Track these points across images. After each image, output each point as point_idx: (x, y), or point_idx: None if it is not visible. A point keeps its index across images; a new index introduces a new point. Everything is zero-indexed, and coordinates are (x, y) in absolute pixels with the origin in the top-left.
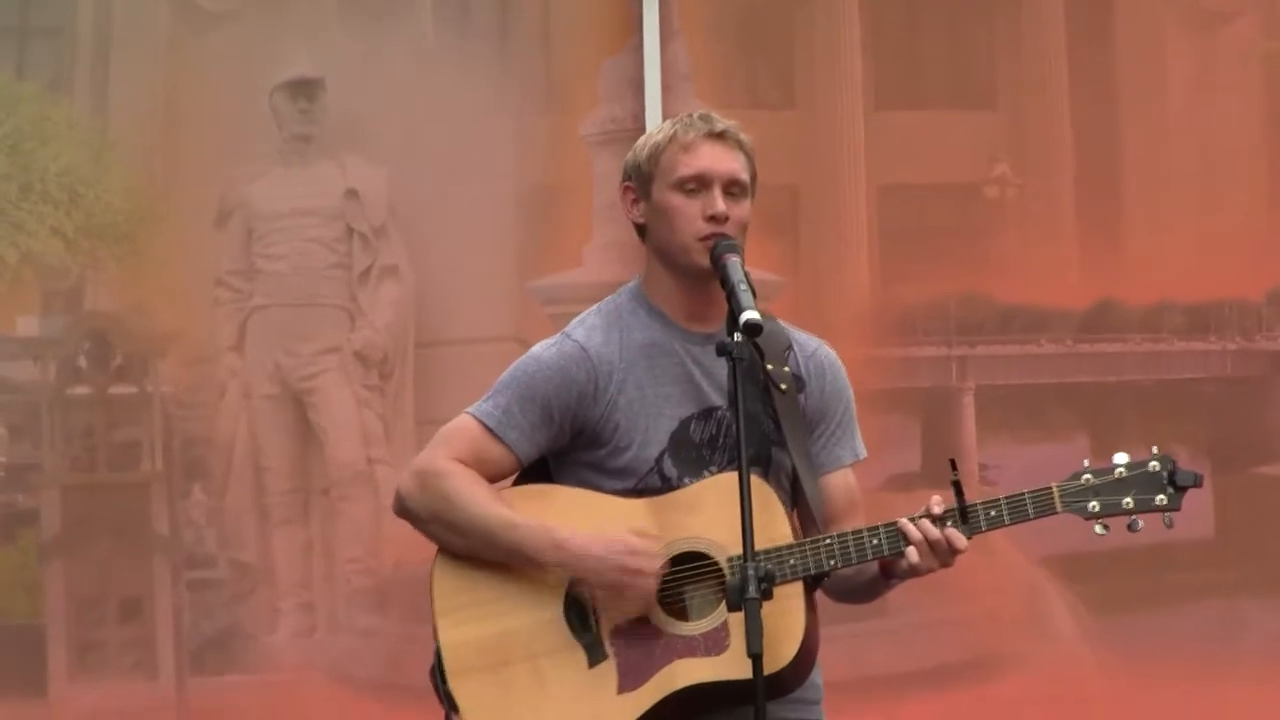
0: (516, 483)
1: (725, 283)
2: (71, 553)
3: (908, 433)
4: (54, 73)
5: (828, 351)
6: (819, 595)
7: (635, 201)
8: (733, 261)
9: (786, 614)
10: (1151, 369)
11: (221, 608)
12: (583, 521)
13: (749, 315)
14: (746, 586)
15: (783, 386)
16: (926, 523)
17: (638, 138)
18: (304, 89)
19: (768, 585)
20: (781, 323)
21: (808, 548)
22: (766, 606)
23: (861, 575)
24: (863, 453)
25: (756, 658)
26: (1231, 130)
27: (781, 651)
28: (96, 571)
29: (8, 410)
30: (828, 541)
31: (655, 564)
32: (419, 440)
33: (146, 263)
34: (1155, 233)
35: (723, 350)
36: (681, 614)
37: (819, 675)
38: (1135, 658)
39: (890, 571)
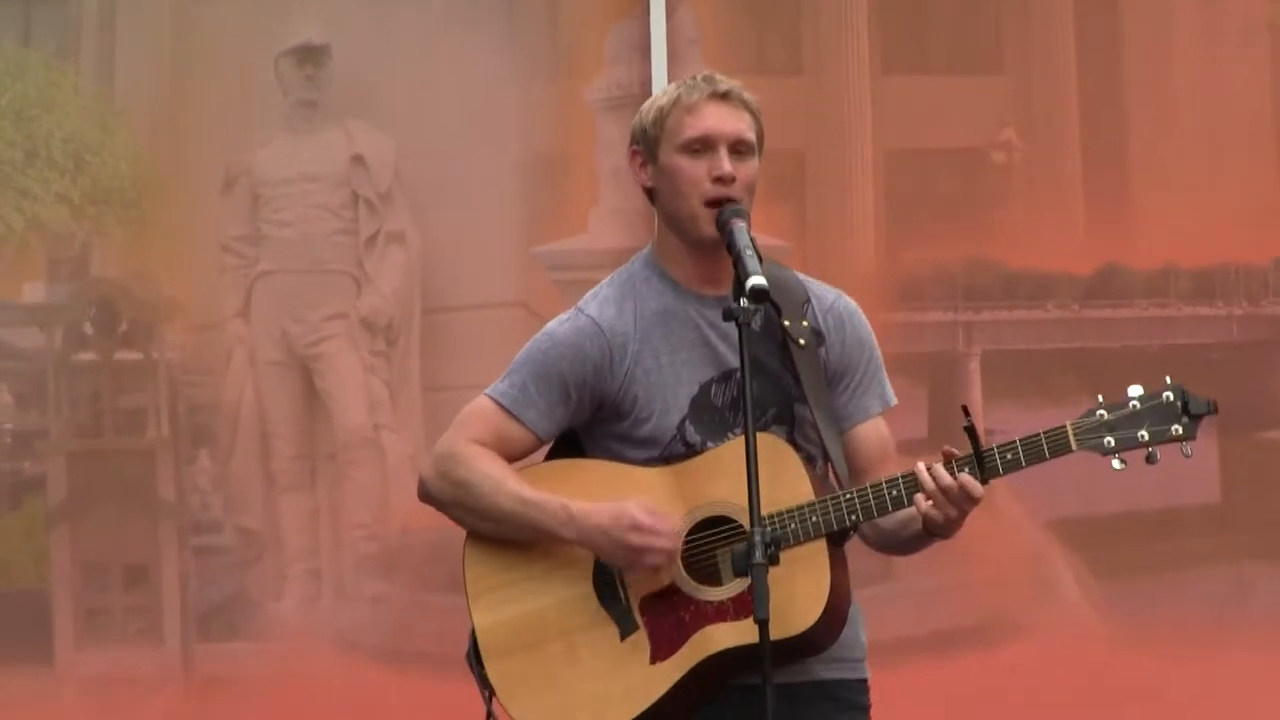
0: (549, 456)
1: (731, 248)
2: (77, 519)
3: (914, 398)
4: (59, 40)
5: (847, 302)
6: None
7: (643, 165)
8: (739, 227)
9: (811, 572)
10: (1157, 334)
11: (228, 574)
12: (606, 493)
13: (755, 280)
14: (753, 552)
15: (801, 342)
16: (941, 470)
17: (642, 102)
18: (310, 55)
19: (774, 550)
20: (800, 276)
21: (830, 504)
22: (791, 566)
23: (907, 529)
24: (892, 400)
25: (763, 623)
26: (1238, 95)
27: (807, 612)
28: (102, 538)
29: (14, 377)
30: (848, 497)
31: (662, 540)
32: (425, 406)
33: (152, 229)
34: (1161, 198)
35: (729, 315)
36: (711, 579)
37: (863, 633)
38: (1141, 623)
39: (927, 528)
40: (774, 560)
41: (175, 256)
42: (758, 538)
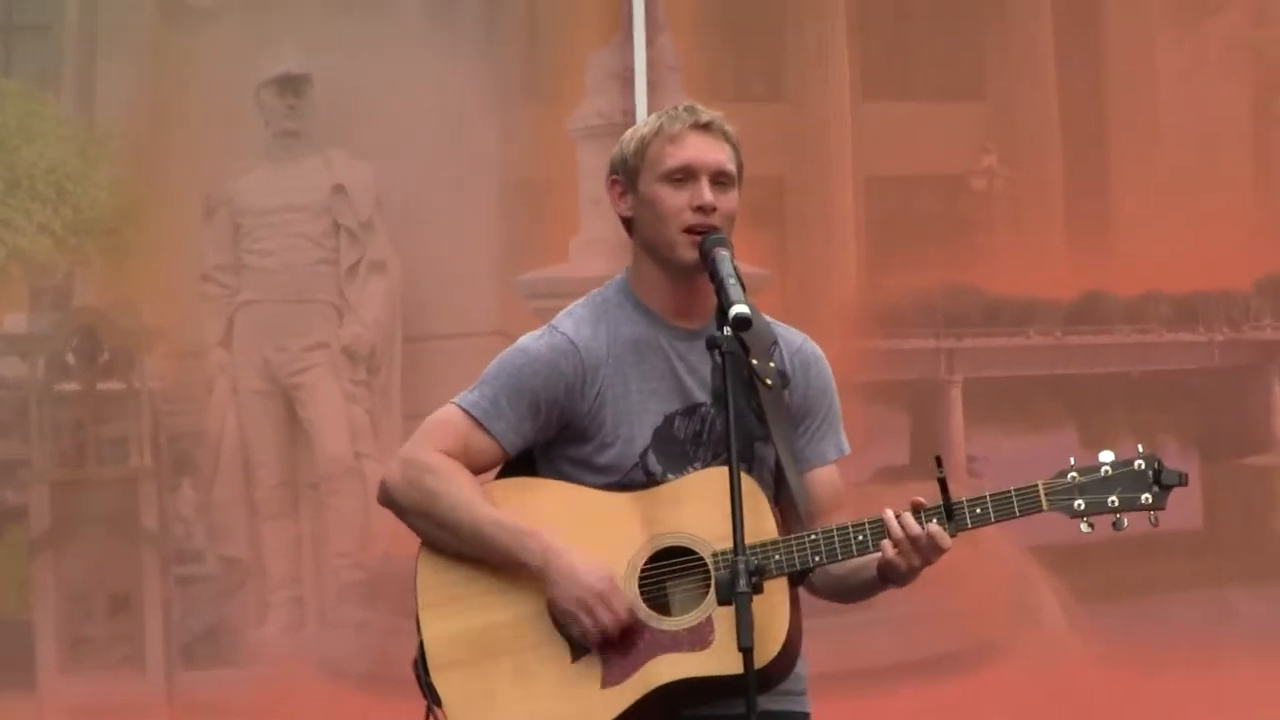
0: (500, 475)
1: (714, 276)
2: (60, 548)
3: (896, 425)
4: (41, 69)
5: (813, 347)
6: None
7: (622, 195)
8: (722, 255)
9: (771, 609)
10: (1139, 360)
11: (210, 602)
12: (567, 515)
13: (738, 309)
14: (737, 580)
15: (768, 382)
16: (910, 519)
17: (624, 131)
18: (291, 85)
19: (758, 579)
20: (767, 318)
21: (793, 543)
22: (753, 602)
23: (856, 576)
24: (846, 449)
25: (747, 651)
26: (1219, 121)
27: (766, 647)
28: (86, 566)
29: None
30: (813, 537)
31: (613, 620)
32: (406, 434)
33: (134, 259)
34: (1143, 224)
35: (712, 344)
36: (665, 609)
37: (804, 666)
38: (1124, 647)
39: (886, 575)
40: (758, 589)
41: (157, 286)
42: (742, 566)
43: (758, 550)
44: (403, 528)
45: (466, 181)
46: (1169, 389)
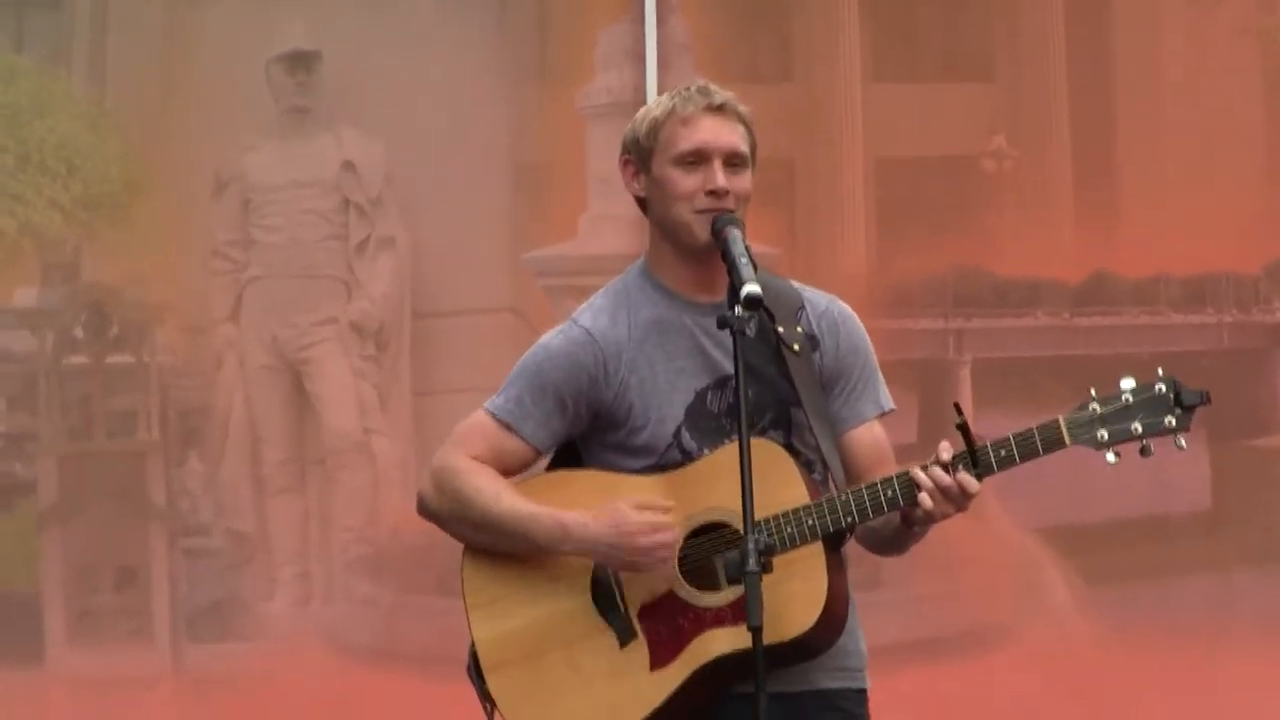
0: (550, 467)
1: (726, 256)
2: (68, 521)
3: (904, 405)
4: (52, 46)
5: (841, 307)
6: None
7: (635, 175)
8: (734, 235)
9: (808, 577)
10: (1148, 342)
11: (217, 576)
12: (600, 502)
13: (749, 289)
14: (746, 560)
15: (795, 347)
16: (937, 469)
17: (634, 110)
18: (301, 61)
19: (767, 558)
20: (793, 283)
21: (825, 507)
22: (788, 570)
23: (888, 526)
24: (887, 404)
25: (757, 631)
26: (1228, 104)
27: (804, 615)
28: (93, 540)
29: (5, 381)
30: (843, 499)
31: (662, 537)
32: (415, 410)
33: (143, 234)
34: (1152, 206)
35: (724, 323)
36: (709, 585)
37: (863, 643)
38: (1130, 628)
39: (910, 520)
40: (767, 569)
41: (166, 261)
42: (750, 545)
43: (788, 517)
44: (409, 504)
45: (476, 159)
46: (1177, 370)
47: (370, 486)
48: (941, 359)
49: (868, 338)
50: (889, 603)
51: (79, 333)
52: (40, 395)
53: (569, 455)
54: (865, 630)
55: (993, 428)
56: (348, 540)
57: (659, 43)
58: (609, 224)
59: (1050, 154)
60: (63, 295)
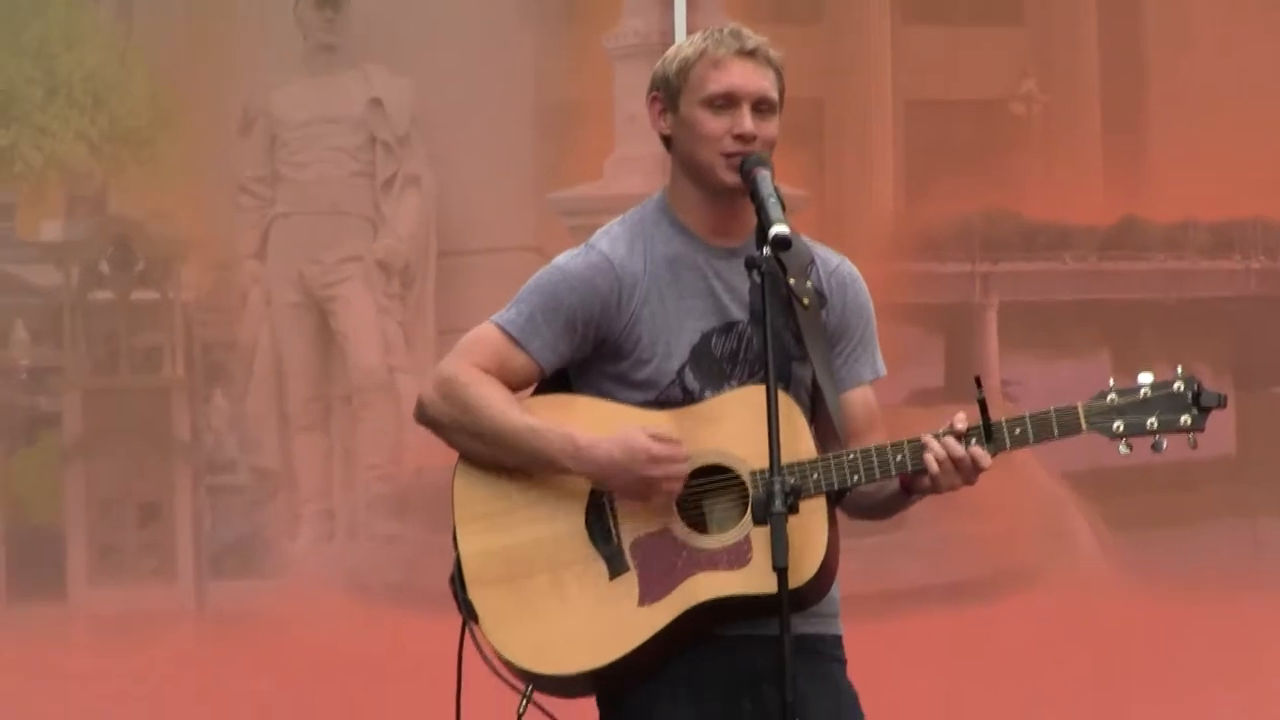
0: (536, 393)
1: (755, 196)
2: (92, 456)
3: (931, 348)
4: None
5: (850, 268)
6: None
7: (662, 113)
8: (763, 175)
9: (809, 530)
10: (1175, 287)
11: (241, 513)
12: (604, 431)
13: (778, 229)
14: (772, 500)
15: (805, 301)
16: (951, 440)
17: (661, 51)
18: None
19: (794, 500)
20: (805, 238)
21: (831, 462)
22: (790, 522)
23: (881, 492)
24: (883, 370)
25: (782, 571)
26: (1258, 49)
27: (803, 567)
28: (117, 475)
29: (31, 314)
30: (851, 457)
31: (676, 468)
32: (439, 348)
33: (170, 169)
34: (1180, 151)
35: (751, 264)
36: (703, 527)
37: (837, 590)
38: (1155, 574)
39: (911, 487)
40: (794, 509)
41: (192, 196)
42: (778, 486)
43: (795, 470)
44: (435, 442)
45: (502, 98)
46: (1204, 316)
47: (395, 424)
48: (968, 303)
49: (871, 302)
50: (913, 544)
51: (104, 267)
52: (65, 329)
53: (557, 381)
54: (889, 572)
55: (1019, 372)
56: (371, 478)
57: None
58: (635, 164)
59: (1079, 98)
60: (88, 229)
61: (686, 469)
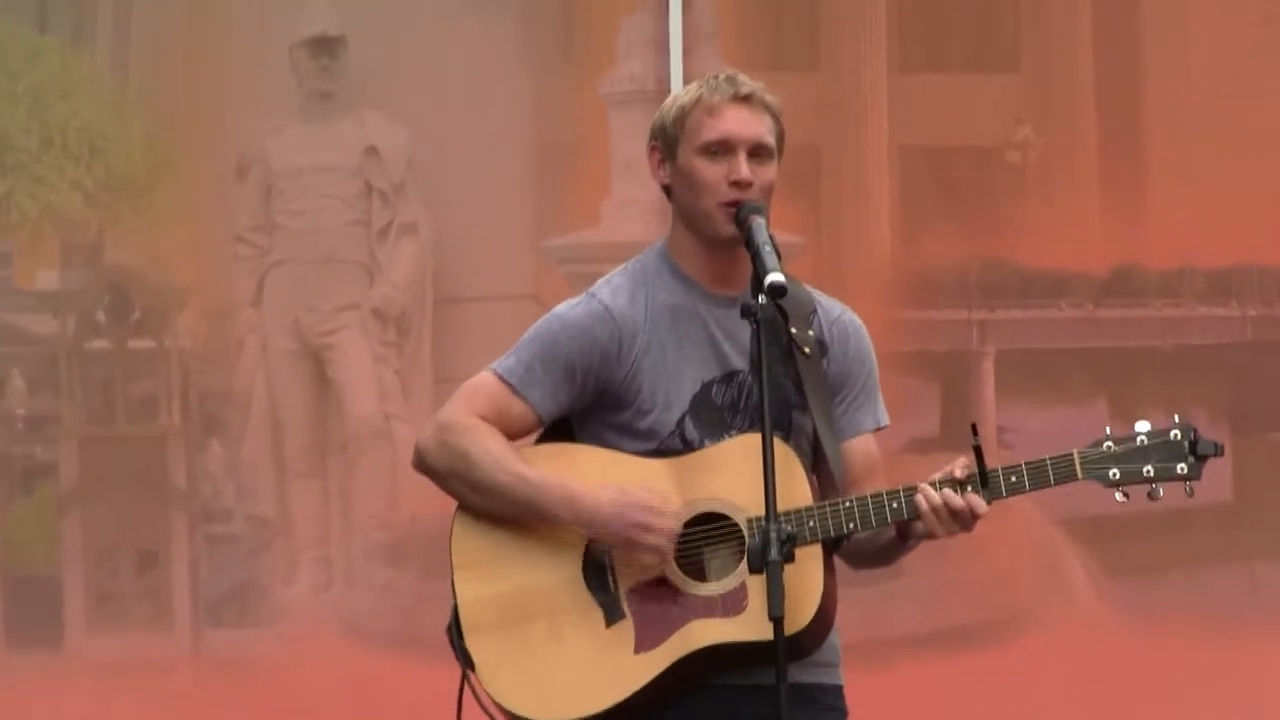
0: (538, 442)
1: (750, 244)
2: (89, 504)
3: (927, 396)
4: (75, 27)
5: (852, 317)
6: (837, 560)
7: (661, 162)
8: (758, 223)
9: (804, 577)
10: (1172, 334)
11: (238, 561)
12: (603, 480)
13: (773, 277)
14: (768, 548)
15: (806, 350)
16: (949, 491)
17: (658, 98)
18: (325, 46)
19: (789, 548)
20: (806, 287)
21: (827, 510)
22: (786, 569)
23: (877, 540)
24: (885, 420)
25: (778, 620)
26: (1257, 94)
27: (799, 615)
28: (114, 523)
29: (27, 363)
30: (847, 505)
31: (669, 522)
32: (436, 397)
33: (166, 217)
34: (1177, 197)
35: (746, 312)
36: (700, 575)
37: (837, 638)
38: (1152, 620)
39: (907, 534)
40: (790, 558)
41: (188, 244)
42: (773, 534)
43: (791, 517)
44: (431, 489)
45: (498, 144)
46: (1201, 363)
47: (391, 472)
48: (965, 350)
49: (873, 352)
50: (910, 591)
51: (101, 316)
52: (62, 378)
53: (559, 430)
54: (885, 619)
55: (1015, 419)
56: (368, 525)
57: (684, 29)
58: (632, 210)
59: (1076, 145)
60: (84, 278)
61: (678, 524)
